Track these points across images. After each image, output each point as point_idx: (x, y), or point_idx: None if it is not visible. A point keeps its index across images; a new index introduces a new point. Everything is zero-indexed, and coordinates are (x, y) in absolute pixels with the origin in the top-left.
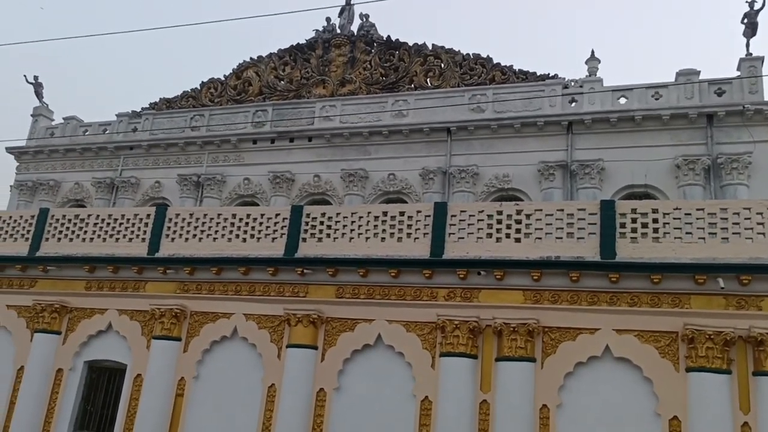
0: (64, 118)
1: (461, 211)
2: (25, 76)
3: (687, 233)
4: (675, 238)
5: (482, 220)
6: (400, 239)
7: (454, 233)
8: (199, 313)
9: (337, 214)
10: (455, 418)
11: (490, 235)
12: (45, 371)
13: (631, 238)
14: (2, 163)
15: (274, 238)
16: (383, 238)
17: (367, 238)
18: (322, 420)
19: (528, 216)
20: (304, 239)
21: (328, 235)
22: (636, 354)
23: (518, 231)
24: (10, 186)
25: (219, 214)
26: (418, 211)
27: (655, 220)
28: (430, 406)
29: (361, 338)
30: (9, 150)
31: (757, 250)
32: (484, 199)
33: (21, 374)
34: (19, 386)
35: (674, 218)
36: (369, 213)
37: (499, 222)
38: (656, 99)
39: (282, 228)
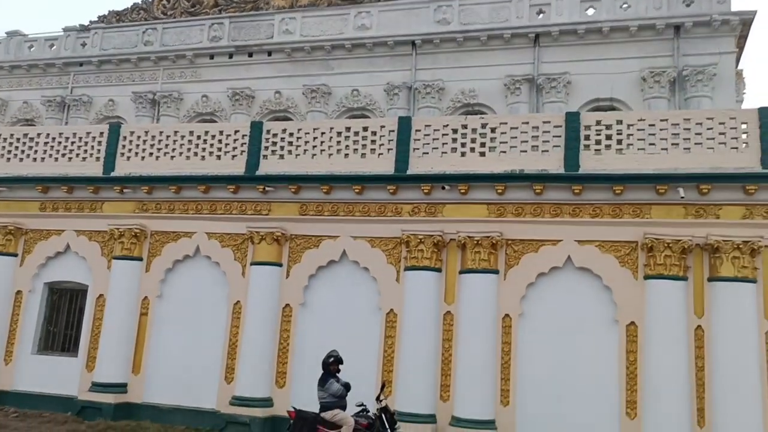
0: (6, 33)
1: (426, 126)
2: None
3: (650, 144)
4: (638, 149)
5: (447, 134)
6: (363, 155)
7: (418, 148)
8: (160, 233)
9: (299, 130)
10: (420, 328)
11: (454, 150)
12: (4, 293)
13: (595, 150)
14: None
15: (234, 156)
16: (346, 155)
17: (330, 155)
18: (289, 335)
19: (493, 129)
20: (265, 156)
21: (290, 152)
22: (596, 264)
23: (483, 145)
24: None
25: (176, 132)
26: (382, 126)
27: (619, 132)
28: (395, 319)
29: (326, 255)
30: None
31: (718, 159)
32: (449, 114)
33: None
34: None
35: (638, 129)
36: (332, 129)
37: (464, 136)
38: (624, 10)
39: (242, 145)
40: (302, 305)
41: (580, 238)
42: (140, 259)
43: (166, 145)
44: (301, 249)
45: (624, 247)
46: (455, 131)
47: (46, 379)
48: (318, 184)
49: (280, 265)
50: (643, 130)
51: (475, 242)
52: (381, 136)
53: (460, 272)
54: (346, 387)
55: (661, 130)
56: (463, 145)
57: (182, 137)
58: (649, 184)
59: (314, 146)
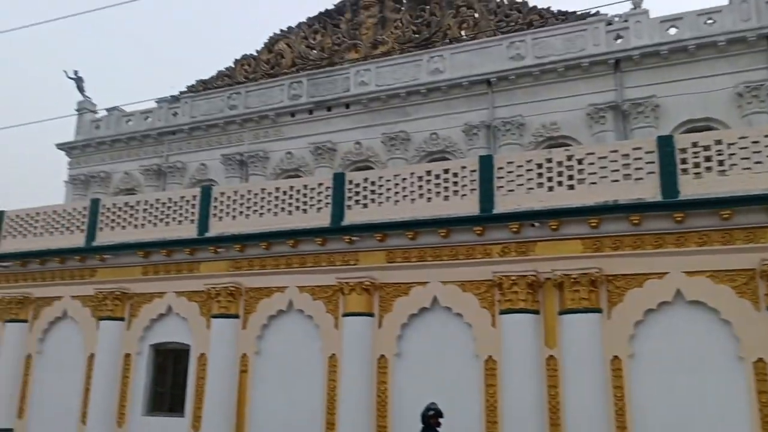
0: (107, 110)
1: (508, 162)
2: (65, 71)
3: (756, 163)
4: (743, 169)
5: (531, 169)
6: (446, 198)
7: (503, 186)
8: (254, 289)
9: (380, 177)
10: (522, 376)
11: (541, 185)
12: (113, 357)
13: (695, 173)
14: (56, 159)
15: (319, 209)
16: (429, 198)
17: (413, 200)
18: (386, 387)
19: (580, 161)
20: (350, 206)
21: (373, 200)
22: (710, 296)
23: (571, 177)
24: (65, 181)
25: (263, 189)
26: (463, 167)
27: (720, 152)
28: (495, 366)
29: (417, 302)
30: (59, 146)
31: None
32: (532, 149)
33: (92, 361)
34: (91, 373)
35: (741, 148)
36: (412, 174)
37: (550, 170)
38: (710, 25)
39: (326, 197)
40: (397, 356)
41: (688, 269)
42: (237, 316)
43: (255, 203)
44: (391, 297)
45: (740, 275)
46: (540, 166)
47: None
48: (403, 231)
49: (372, 315)
50: (747, 148)
51: (573, 280)
52: (463, 177)
53: (560, 313)
54: None
55: (766, 146)
56: (549, 179)
57: (269, 194)
58: (760, 205)
59: (396, 192)
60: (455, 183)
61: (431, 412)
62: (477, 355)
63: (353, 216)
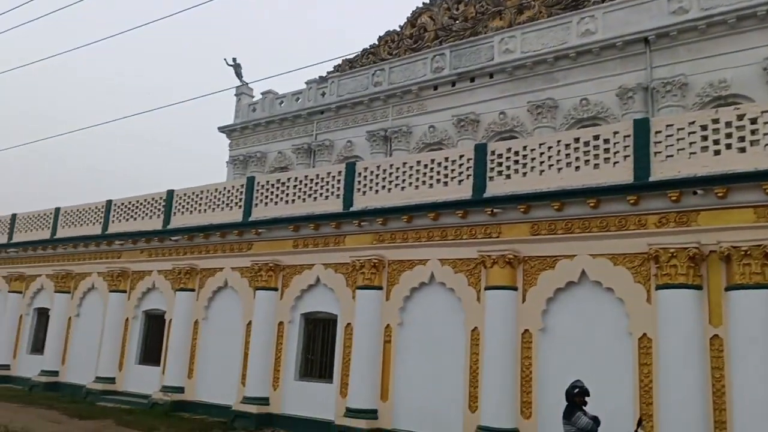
0: (261, 93)
1: (667, 126)
2: (225, 59)
3: None
4: None
5: (694, 132)
6: (596, 166)
7: (660, 152)
8: (396, 262)
9: (524, 147)
10: (682, 356)
11: (705, 149)
12: (268, 324)
13: None
14: (220, 142)
15: (460, 181)
16: (577, 167)
17: (560, 169)
18: (530, 362)
19: (753, 120)
20: (492, 178)
21: (517, 171)
22: None
23: (742, 140)
24: (226, 162)
25: (404, 163)
26: (615, 132)
27: None
28: (649, 344)
29: (564, 276)
30: (220, 129)
31: None
32: (697, 111)
33: (250, 328)
34: (249, 339)
35: None
36: (559, 142)
37: (716, 132)
38: None
39: (467, 169)
40: (542, 331)
41: None
42: (380, 288)
43: (396, 177)
44: (536, 271)
45: None
46: (704, 128)
47: (308, 403)
48: (548, 202)
49: (515, 288)
50: None
51: (743, 253)
52: (615, 143)
53: (726, 289)
54: (596, 421)
55: None
56: (716, 142)
57: (410, 168)
58: None
59: (541, 162)
60: (606, 150)
61: (576, 390)
62: (630, 333)
63: (496, 187)
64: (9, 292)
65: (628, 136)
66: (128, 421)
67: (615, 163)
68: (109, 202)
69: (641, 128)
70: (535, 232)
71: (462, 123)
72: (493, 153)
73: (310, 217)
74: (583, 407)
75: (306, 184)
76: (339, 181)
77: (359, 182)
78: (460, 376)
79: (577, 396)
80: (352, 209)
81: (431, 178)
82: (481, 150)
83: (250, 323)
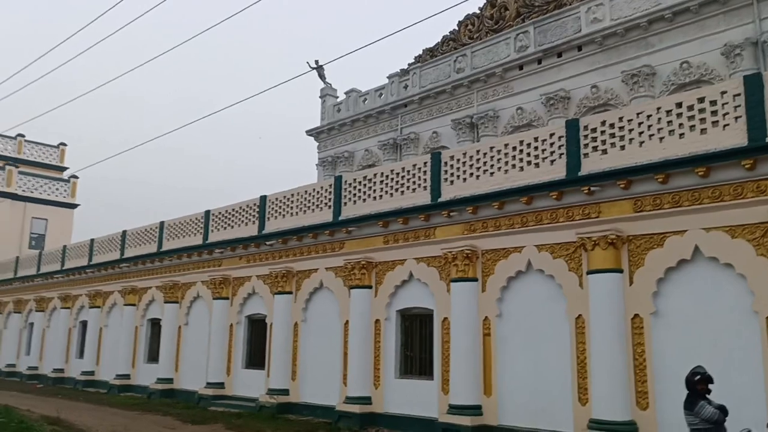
0: (345, 93)
1: None
2: (307, 62)
3: None
4: None
5: None
6: (704, 131)
7: None
8: (490, 251)
9: (620, 118)
10: None
11: None
12: (365, 323)
13: None
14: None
15: (552, 161)
16: (682, 135)
17: (662, 139)
18: (643, 349)
19: None
20: (586, 155)
21: (613, 145)
22: None
23: None
24: (316, 165)
25: (491, 147)
26: (723, 92)
27: None
28: None
29: (674, 254)
30: (308, 133)
31: None
32: None
33: (347, 328)
34: (347, 338)
35: None
36: (659, 108)
37: None
38: None
39: (559, 148)
40: (653, 315)
41: None
42: (475, 279)
43: (484, 163)
44: (642, 251)
45: None
46: None
47: (410, 401)
48: (651, 175)
49: (620, 271)
50: None
51: None
52: (723, 105)
53: None
54: (723, 410)
55: None
56: None
57: (498, 152)
58: None
59: (641, 133)
60: (714, 113)
61: (698, 377)
62: (756, 312)
63: (591, 164)
64: (124, 305)
65: (739, 95)
66: (237, 424)
67: (725, 126)
68: (207, 213)
69: (754, 85)
70: (639, 209)
71: (551, 101)
72: (586, 128)
73: (398, 211)
74: (707, 395)
75: (392, 179)
76: (425, 172)
77: (446, 172)
78: (567, 367)
79: (698, 383)
80: (440, 200)
81: (521, 160)
82: (572, 126)
83: (347, 323)
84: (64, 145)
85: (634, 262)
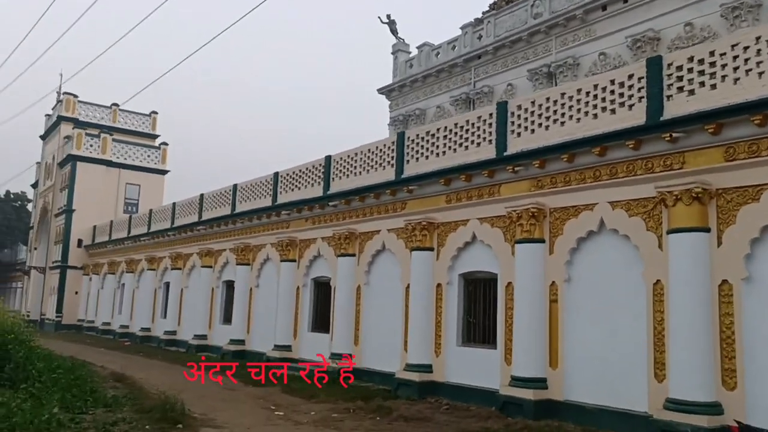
0: (417, 48)
1: None
2: (379, 17)
3: None
4: None
5: None
6: None
7: None
8: (559, 209)
9: (711, 52)
10: None
11: None
12: (426, 287)
13: None
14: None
15: (631, 106)
16: None
17: (761, 74)
18: (732, 320)
19: None
20: (670, 97)
21: (702, 84)
22: None
23: None
24: (387, 125)
25: (563, 93)
26: None
27: None
28: None
29: None
30: (379, 91)
31: None
32: None
33: (408, 292)
34: (408, 303)
35: None
36: (758, 38)
37: None
38: None
39: (639, 90)
40: (746, 281)
41: None
42: (542, 240)
43: (554, 111)
44: (734, 206)
45: None
46: None
47: (471, 371)
48: (747, 116)
49: (707, 229)
50: None
51: None
52: None
53: None
54: None
55: None
56: None
57: (570, 98)
58: None
59: (736, 68)
60: None
61: None
62: None
63: (676, 107)
64: (201, 267)
65: None
66: (294, 388)
67: None
68: (276, 174)
69: None
70: (731, 157)
71: (638, 44)
72: (670, 66)
73: (461, 167)
74: None
75: (456, 133)
76: (490, 124)
77: (512, 123)
78: (642, 338)
79: None
80: (505, 154)
81: (595, 107)
82: (655, 64)
83: (408, 286)
84: (155, 113)
85: (724, 220)
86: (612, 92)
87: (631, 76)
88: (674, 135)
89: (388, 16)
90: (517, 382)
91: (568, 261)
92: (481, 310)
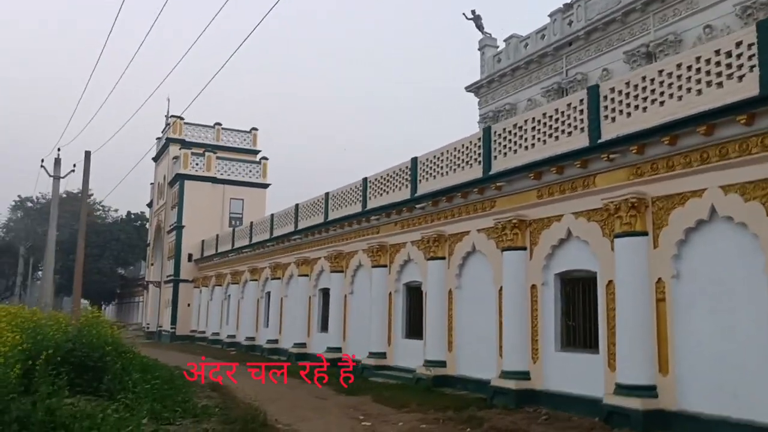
0: (504, 41)
1: None
2: (464, 13)
3: None
4: None
5: None
6: None
7: None
8: (662, 198)
9: None
10: None
11: None
12: (520, 289)
13: None
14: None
15: (741, 77)
16: None
17: None
18: None
19: None
20: None
21: None
22: None
23: None
24: (477, 122)
25: (661, 71)
26: None
27: None
28: None
29: None
30: (467, 89)
31: None
32: None
33: (501, 294)
34: (502, 306)
35: None
36: None
37: None
38: None
39: (750, 59)
40: None
41: None
42: (645, 233)
43: (652, 91)
44: None
45: None
46: None
47: (572, 378)
48: None
49: None
50: None
51: None
52: None
53: None
54: None
55: None
56: None
57: (669, 75)
58: None
59: None
60: None
61: None
62: None
63: None
64: (299, 276)
65: None
66: (385, 396)
67: None
68: (365, 180)
69: None
70: None
71: (750, 12)
72: None
73: (551, 159)
74: None
75: (545, 123)
76: (581, 111)
77: (605, 107)
78: (767, 338)
79: None
80: (599, 141)
81: (699, 81)
82: (766, 27)
83: (501, 289)
84: (256, 129)
85: None
86: (718, 64)
87: (739, 44)
88: None
89: (473, 12)
90: (623, 390)
91: (676, 255)
92: (580, 311)
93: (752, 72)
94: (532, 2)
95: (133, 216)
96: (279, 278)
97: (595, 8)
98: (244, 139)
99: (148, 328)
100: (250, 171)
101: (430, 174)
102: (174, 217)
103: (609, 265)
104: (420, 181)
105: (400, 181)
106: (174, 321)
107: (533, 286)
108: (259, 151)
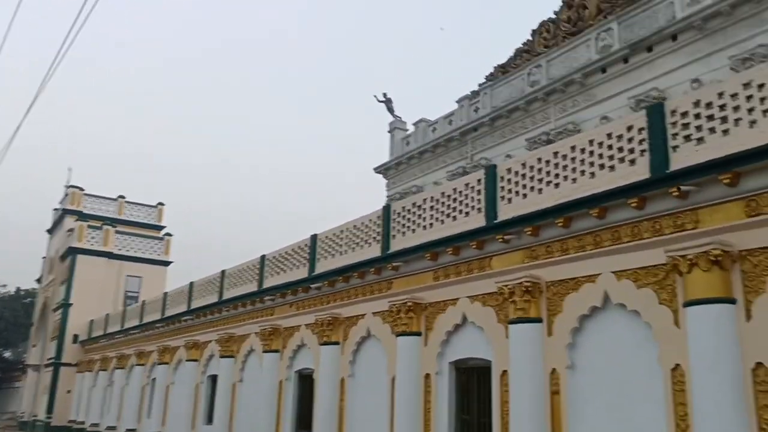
0: (413, 124)
1: None
2: (375, 96)
3: None
4: None
5: None
6: None
7: None
8: (556, 283)
9: (720, 94)
10: None
11: None
12: (413, 378)
13: None
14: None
15: (632, 160)
16: None
17: None
18: None
19: None
20: (676, 147)
21: (713, 130)
22: None
23: None
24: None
25: (555, 153)
26: None
27: None
28: None
29: None
30: (376, 170)
31: None
32: None
33: (394, 383)
34: (394, 397)
35: None
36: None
37: None
38: None
39: (640, 143)
40: None
41: None
42: (539, 320)
43: (547, 173)
44: (761, 272)
45: None
46: None
47: None
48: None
49: (733, 301)
50: None
51: None
52: None
53: None
54: None
55: None
56: None
57: (563, 157)
58: None
59: (751, 109)
60: None
61: None
62: None
63: (684, 158)
64: (186, 360)
65: None
66: None
67: None
68: (262, 258)
69: None
70: (753, 212)
71: (642, 104)
72: (674, 113)
73: (448, 239)
74: None
75: (443, 203)
76: (479, 191)
77: (502, 188)
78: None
79: None
80: (495, 222)
81: (591, 164)
82: (656, 112)
83: (394, 378)
84: (162, 204)
85: (751, 289)
86: (610, 147)
87: (630, 128)
88: (683, 189)
89: (384, 95)
90: None
91: (570, 343)
92: (476, 404)
93: (643, 156)
94: (445, 88)
95: (23, 292)
96: (167, 363)
97: (500, 96)
98: (149, 214)
99: (22, 417)
100: (152, 247)
101: (329, 252)
102: (62, 293)
103: (503, 353)
104: (318, 259)
105: (298, 260)
106: (50, 409)
107: (427, 375)
108: (164, 226)
